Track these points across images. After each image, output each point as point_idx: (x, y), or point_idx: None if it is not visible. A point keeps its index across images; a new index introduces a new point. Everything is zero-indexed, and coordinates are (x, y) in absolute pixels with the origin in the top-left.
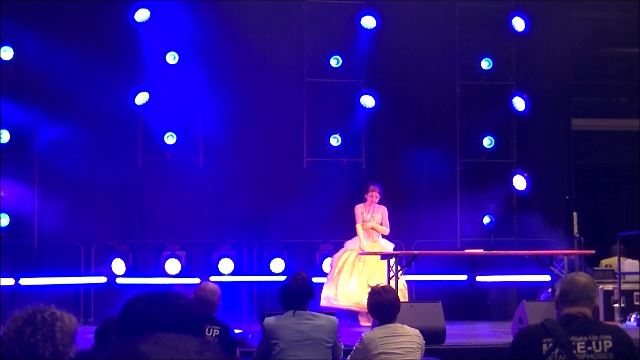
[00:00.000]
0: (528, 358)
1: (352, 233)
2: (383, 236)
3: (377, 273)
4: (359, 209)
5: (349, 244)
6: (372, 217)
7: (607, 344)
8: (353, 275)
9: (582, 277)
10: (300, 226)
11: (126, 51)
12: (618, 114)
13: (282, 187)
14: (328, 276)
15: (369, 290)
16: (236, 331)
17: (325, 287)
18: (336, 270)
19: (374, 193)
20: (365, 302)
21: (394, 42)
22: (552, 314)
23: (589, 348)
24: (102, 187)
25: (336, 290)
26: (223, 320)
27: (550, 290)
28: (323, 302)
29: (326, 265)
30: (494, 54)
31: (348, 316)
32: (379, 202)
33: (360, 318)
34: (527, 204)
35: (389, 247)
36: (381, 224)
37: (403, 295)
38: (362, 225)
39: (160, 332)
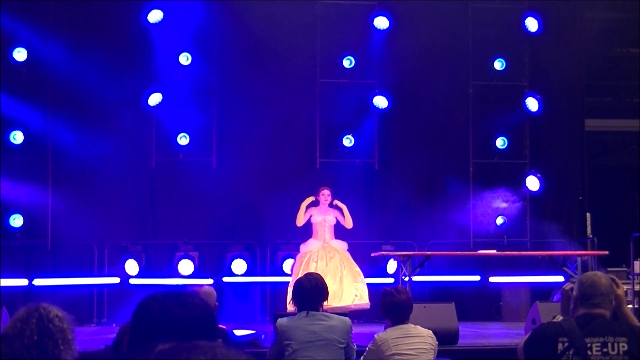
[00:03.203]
0: (543, 355)
1: (362, 233)
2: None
3: (331, 272)
4: (310, 210)
5: (302, 247)
6: (324, 220)
7: (623, 346)
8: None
9: (601, 277)
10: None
11: (139, 52)
12: (632, 115)
13: (295, 187)
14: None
15: (334, 292)
16: (249, 332)
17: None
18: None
19: (324, 191)
20: (334, 304)
21: (406, 43)
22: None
23: (605, 350)
24: (116, 187)
25: None
26: (222, 323)
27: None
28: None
29: None
30: (507, 54)
31: None
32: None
33: None
34: (541, 205)
35: (343, 246)
36: (336, 224)
37: (362, 297)
38: (319, 222)
39: (174, 331)
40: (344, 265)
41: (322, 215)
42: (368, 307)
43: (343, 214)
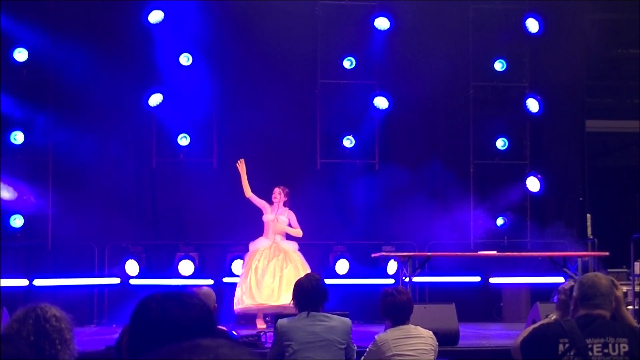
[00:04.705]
0: (544, 356)
1: (363, 234)
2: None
3: (270, 270)
4: (265, 207)
5: (251, 245)
6: (276, 219)
7: (624, 347)
8: (262, 274)
9: (602, 278)
10: (313, 227)
11: (140, 53)
12: (632, 116)
13: (295, 188)
14: (240, 281)
15: (272, 290)
16: (249, 332)
17: (239, 290)
18: (247, 272)
19: (274, 189)
20: (271, 302)
21: (407, 44)
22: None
23: (605, 350)
24: (116, 188)
25: (252, 291)
26: (222, 324)
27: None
28: (239, 307)
29: (341, 266)
30: (507, 55)
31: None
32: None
33: (257, 320)
34: (541, 206)
35: (293, 247)
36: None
37: None
38: (270, 221)
39: (172, 331)
40: (286, 264)
41: (275, 214)
42: None
43: (291, 225)
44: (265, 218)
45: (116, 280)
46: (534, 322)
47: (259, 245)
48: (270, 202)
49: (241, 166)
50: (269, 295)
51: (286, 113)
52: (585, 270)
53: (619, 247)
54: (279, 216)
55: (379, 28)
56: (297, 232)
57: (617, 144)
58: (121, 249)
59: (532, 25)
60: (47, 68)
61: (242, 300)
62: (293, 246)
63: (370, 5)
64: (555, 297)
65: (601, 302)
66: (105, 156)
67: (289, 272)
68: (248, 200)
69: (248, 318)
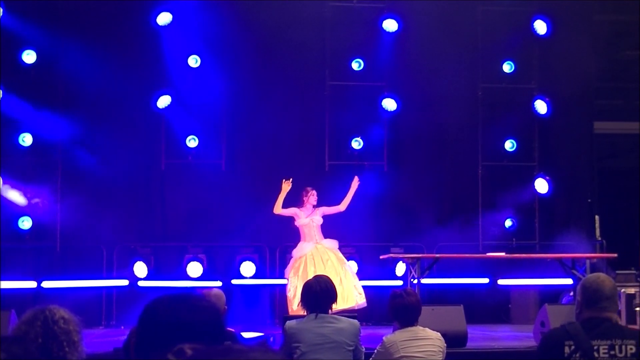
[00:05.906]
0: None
1: (371, 235)
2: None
3: (330, 274)
4: (292, 210)
5: (296, 252)
6: (312, 220)
7: (631, 348)
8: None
9: (605, 280)
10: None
11: (148, 55)
12: None
13: (304, 189)
14: (291, 288)
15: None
16: (257, 334)
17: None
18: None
19: (313, 191)
20: (343, 306)
21: (415, 45)
22: (573, 317)
23: (612, 352)
24: (125, 190)
25: None
26: (230, 325)
27: (572, 293)
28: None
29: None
30: (516, 57)
31: None
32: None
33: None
34: (549, 207)
35: (334, 245)
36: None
37: (362, 295)
38: (306, 225)
39: (181, 334)
40: (341, 265)
41: (309, 216)
42: (365, 304)
43: (327, 213)
44: (300, 222)
45: (125, 282)
46: (542, 324)
47: (305, 251)
48: (300, 205)
49: (287, 186)
50: (340, 301)
51: (295, 115)
52: (594, 272)
53: (628, 248)
54: (313, 217)
55: (387, 30)
56: (338, 207)
57: (625, 145)
58: (130, 251)
59: (541, 27)
60: (55, 70)
61: None
62: (334, 244)
63: (378, 7)
64: (566, 299)
65: (607, 304)
66: (114, 158)
67: (346, 274)
68: (257, 203)
69: None
